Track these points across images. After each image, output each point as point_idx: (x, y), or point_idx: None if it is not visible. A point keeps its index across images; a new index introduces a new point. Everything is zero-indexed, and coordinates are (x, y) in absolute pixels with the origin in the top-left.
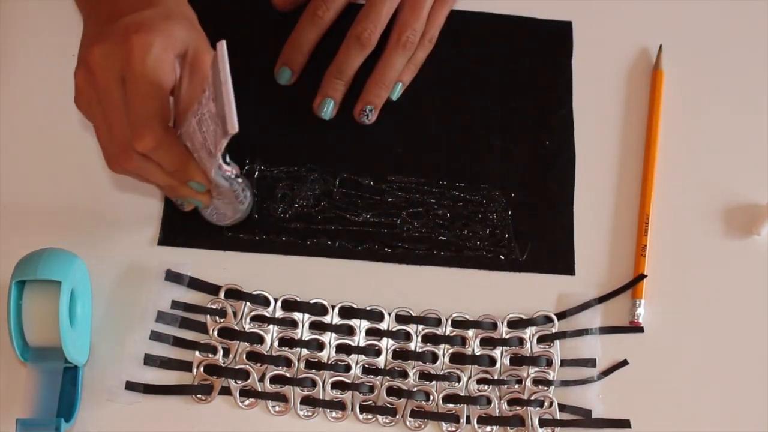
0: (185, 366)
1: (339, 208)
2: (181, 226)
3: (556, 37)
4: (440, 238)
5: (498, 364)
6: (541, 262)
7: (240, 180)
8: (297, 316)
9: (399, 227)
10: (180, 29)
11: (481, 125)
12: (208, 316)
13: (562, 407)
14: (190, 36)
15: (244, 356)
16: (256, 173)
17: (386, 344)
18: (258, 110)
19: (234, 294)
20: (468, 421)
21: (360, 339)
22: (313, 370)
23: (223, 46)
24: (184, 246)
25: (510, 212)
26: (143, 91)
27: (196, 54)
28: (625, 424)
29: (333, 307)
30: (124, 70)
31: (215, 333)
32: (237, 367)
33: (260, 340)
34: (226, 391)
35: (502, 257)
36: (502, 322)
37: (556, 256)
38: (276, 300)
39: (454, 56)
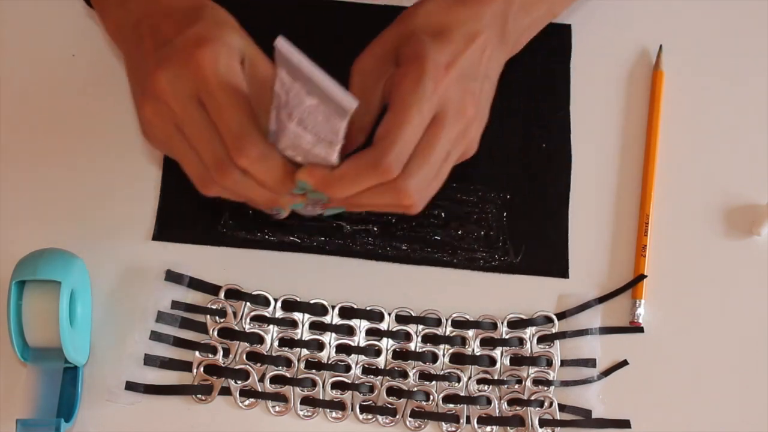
0: (185, 366)
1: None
2: (177, 222)
3: (554, 41)
4: (435, 238)
5: (498, 364)
6: (536, 265)
7: None
8: (297, 316)
9: (394, 226)
10: (234, 36)
11: None
12: (208, 316)
13: (562, 407)
14: (243, 41)
15: (244, 356)
16: None
17: (386, 344)
18: None
19: (234, 294)
20: (468, 421)
21: (360, 339)
22: (313, 370)
23: (282, 41)
24: (179, 241)
25: (505, 214)
26: (228, 103)
27: (252, 60)
28: (625, 424)
29: (333, 307)
30: (200, 88)
31: (215, 333)
32: (237, 367)
33: (260, 340)
34: (226, 391)
35: (496, 259)
36: (502, 323)
37: (551, 259)
38: (276, 300)
39: None
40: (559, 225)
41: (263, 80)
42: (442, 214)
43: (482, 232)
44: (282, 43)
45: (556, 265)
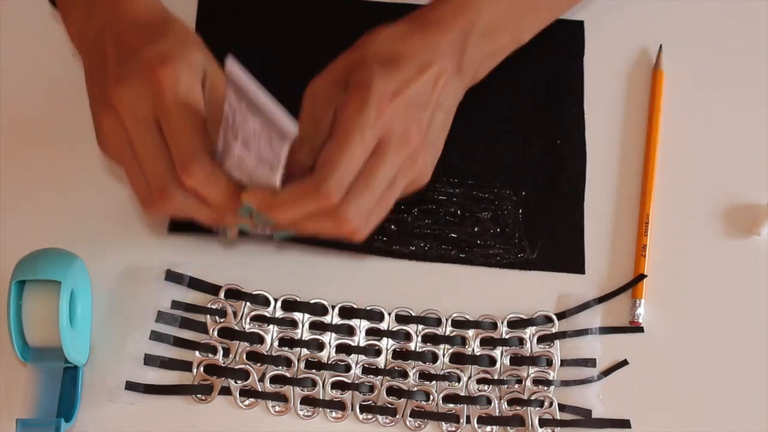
0: (185, 366)
1: None
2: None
3: (568, 36)
4: (451, 235)
5: (498, 364)
6: (552, 261)
7: None
8: (297, 316)
9: (410, 224)
10: (197, 53)
11: (493, 123)
12: (208, 316)
13: (562, 407)
14: (206, 59)
15: (244, 356)
16: None
17: (386, 344)
18: None
19: (234, 294)
20: (468, 421)
21: (360, 339)
22: (313, 370)
23: (232, 61)
24: (193, 232)
25: (521, 210)
26: (181, 124)
27: (213, 79)
28: (625, 424)
29: (333, 307)
30: (156, 107)
31: (215, 333)
32: (237, 367)
33: (260, 340)
34: (226, 391)
35: (512, 255)
36: (502, 322)
37: (567, 255)
38: (276, 300)
39: None
40: (575, 220)
41: (222, 100)
42: (458, 211)
43: (498, 229)
44: (231, 64)
45: (573, 261)
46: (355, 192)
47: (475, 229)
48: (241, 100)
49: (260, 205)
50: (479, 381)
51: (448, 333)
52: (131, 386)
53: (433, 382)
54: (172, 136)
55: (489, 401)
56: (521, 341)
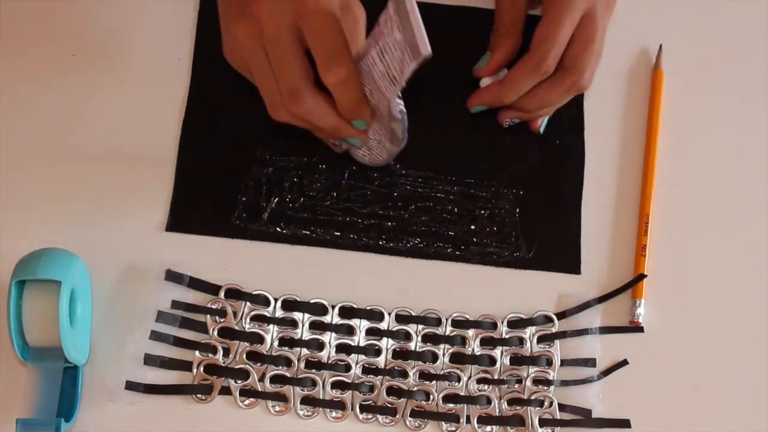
0: (185, 366)
1: (347, 200)
2: (190, 214)
3: None
4: (448, 233)
5: (498, 364)
6: (548, 261)
7: (406, 117)
8: (297, 315)
9: (407, 221)
10: None
11: (492, 122)
12: (208, 315)
13: (562, 407)
14: None
15: (244, 356)
16: (268, 164)
17: (386, 344)
18: None
19: (234, 294)
20: (468, 420)
21: (360, 339)
22: (313, 370)
23: None
24: (192, 233)
25: (518, 209)
26: (326, 27)
27: (345, 1)
28: (625, 424)
29: (333, 307)
30: (298, 14)
31: (215, 333)
32: (237, 366)
33: (260, 339)
34: (226, 391)
35: (508, 254)
36: (502, 322)
37: (563, 255)
38: (276, 300)
39: (467, 53)
40: (572, 221)
41: (354, 21)
42: (455, 209)
43: (495, 228)
44: None
45: (568, 261)
46: (586, 62)
47: (472, 227)
48: (395, 12)
49: (492, 95)
50: (479, 381)
51: (448, 333)
52: (131, 386)
53: (433, 381)
54: (316, 38)
55: (489, 401)
56: (521, 341)
